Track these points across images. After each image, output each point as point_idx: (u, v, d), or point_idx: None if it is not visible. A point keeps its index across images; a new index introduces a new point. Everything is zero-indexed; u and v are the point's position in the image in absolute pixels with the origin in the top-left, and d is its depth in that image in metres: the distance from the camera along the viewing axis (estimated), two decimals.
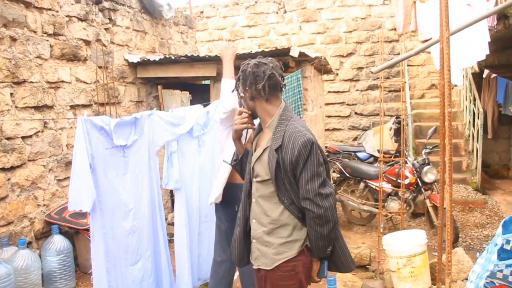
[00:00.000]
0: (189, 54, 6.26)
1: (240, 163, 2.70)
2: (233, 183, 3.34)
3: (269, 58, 2.42)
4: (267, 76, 2.31)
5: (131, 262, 3.55)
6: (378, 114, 10.07)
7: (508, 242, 2.03)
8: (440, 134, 1.92)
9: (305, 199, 2.23)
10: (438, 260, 2.43)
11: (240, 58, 5.86)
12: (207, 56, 6.11)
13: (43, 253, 4.48)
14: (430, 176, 5.74)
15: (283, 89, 2.46)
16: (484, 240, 5.79)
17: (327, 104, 10.50)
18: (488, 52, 5.68)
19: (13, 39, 4.48)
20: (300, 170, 2.22)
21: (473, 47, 5.58)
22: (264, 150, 2.36)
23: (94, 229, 3.21)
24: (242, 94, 2.45)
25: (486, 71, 8.18)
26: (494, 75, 8.00)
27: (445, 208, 2.10)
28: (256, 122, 2.55)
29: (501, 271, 2.06)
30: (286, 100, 2.47)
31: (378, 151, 6.41)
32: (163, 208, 3.90)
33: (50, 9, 4.96)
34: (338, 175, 6.84)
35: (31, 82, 4.68)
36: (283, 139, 2.26)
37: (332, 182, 7.70)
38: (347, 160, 7.32)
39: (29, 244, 4.57)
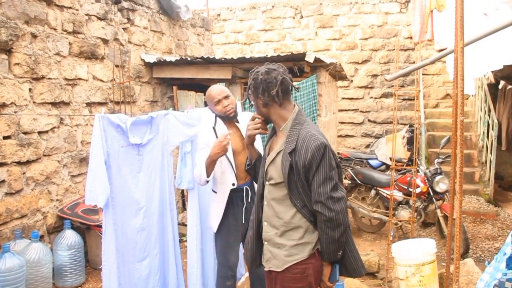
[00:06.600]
0: (205, 56, 6.32)
1: (254, 168, 2.73)
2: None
3: (276, 63, 2.44)
4: (279, 82, 2.33)
5: (138, 259, 3.59)
6: (391, 122, 10.04)
7: None
8: (452, 142, 1.93)
9: (317, 202, 2.24)
10: (446, 268, 2.43)
11: (255, 61, 5.93)
12: (222, 59, 6.15)
13: (55, 247, 4.54)
14: (441, 185, 5.70)
15: (293, 90, 2.49)
16: (495, 252, 5.72)
17: (340, 110, 10.49)
18: (510, 62, 5.58)
19: (34, 36, 4.57)
20: (313, 174, 2.24)
21: (489, 57, 5.53)
22: (278, 153, 2.38)
23: (106, 225, 3.26)
24: (253, 102, 2.48)
25: (502, 82, 8.11)
26: (510, 86, 7.92)
27: (454, 218, 2.09)
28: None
29: (510, 280, 2.05)
30: (299, 105, 2.49)
31: (390, 159, 6.39)
32: (175, 208, 3.93)
33: (70, 8, 5.05)
34: (350, 182, 6.82)
35: (49, 78, 4.76)
36: (296, 142, 2.28)
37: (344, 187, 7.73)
38: (359, 167, 7.29)
39: (41, 238, 4.64)
